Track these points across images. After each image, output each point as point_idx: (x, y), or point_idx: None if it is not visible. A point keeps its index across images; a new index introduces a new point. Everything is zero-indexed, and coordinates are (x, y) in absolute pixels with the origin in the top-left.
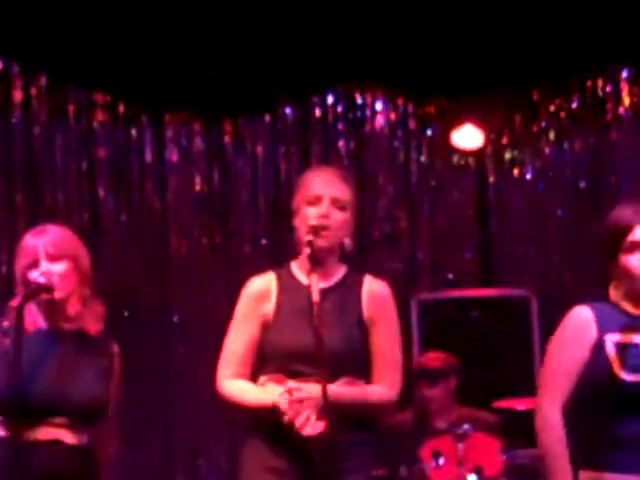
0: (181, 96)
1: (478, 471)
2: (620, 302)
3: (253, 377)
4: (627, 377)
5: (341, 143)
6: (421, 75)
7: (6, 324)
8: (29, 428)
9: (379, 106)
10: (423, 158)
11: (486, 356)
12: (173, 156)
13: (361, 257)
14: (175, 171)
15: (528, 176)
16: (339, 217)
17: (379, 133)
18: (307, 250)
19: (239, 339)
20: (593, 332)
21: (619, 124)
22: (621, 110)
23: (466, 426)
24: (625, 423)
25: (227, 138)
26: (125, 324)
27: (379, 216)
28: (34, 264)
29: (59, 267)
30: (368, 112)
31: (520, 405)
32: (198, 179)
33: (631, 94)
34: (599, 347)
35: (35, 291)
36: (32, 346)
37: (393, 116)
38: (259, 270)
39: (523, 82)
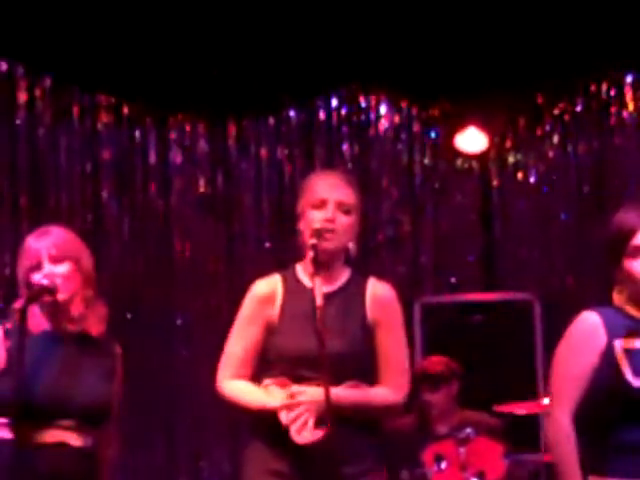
0: (185, 98)
1: (480, 475)
2: (624, 306)
3: (256, 380)
4: (637, 383)
5: (345, 146)
6: (425, 78)
7: (9, 326)
8: (35, 430)
9: (383, 109)
10: (427, 161)
11: (489, 360)
12: (177, 158)
13: (364, 260)
14: (179, 173)
15: (532, 179)
16: (344, 221)
17: (383, 136)
18: (311, 254)
19: (241, 341)
20: (602, 338)
21: (623, 128)
22: (625, 114)
23: (468, 430)
24: (635, 429)
25: (231, 140)
26: (128, 326)
27: (383, 219)
28: (37, 266)
29: (62, 269)
30: (372, 115)
31: (522, 409)
32: (202, 181)
33: (635, 99)
34: (608, 353)
35: (38, 293)
36: (36, 348)
37: (397, 119)
38: (262, 273)
39: (527, 85)
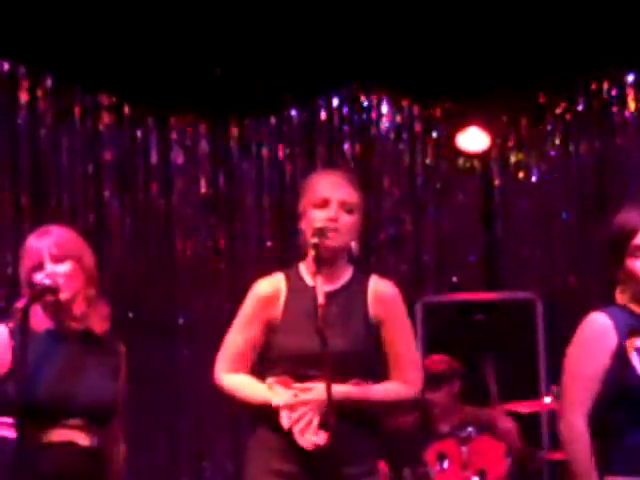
0: (187, 98)
1: (482, 474)
2: (628, 305)
3: (259, 378)
4: None
5: (346, 145)
6: (427, 77)
7: (12, 326)
8: (41, 430)
9: (384, 109)
10: (428, 161)
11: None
12: (178, 158)
13: (366, 260)
14: (180, 173)
15: (533, 179)
16: (347, 220)
17: (384, 135)
18: (312, 253)
19: (240, 337)
20: (613, 338)
21: (624, 127)
22: (627, 114)
23: (470, 429)
24: None
25: (232, 140)
26: (130, 326)
27: (384, 218)
28: (39, 266)
29: (64, 268)
30: (373, 114)
31: (524, 408)
32: (203, 181)
33: (637, 98)
34: (620, 353)
35: (40, 293)
36: (39, 346)
37: (398, 119)
38: (264, 272)
39: (528, 85)
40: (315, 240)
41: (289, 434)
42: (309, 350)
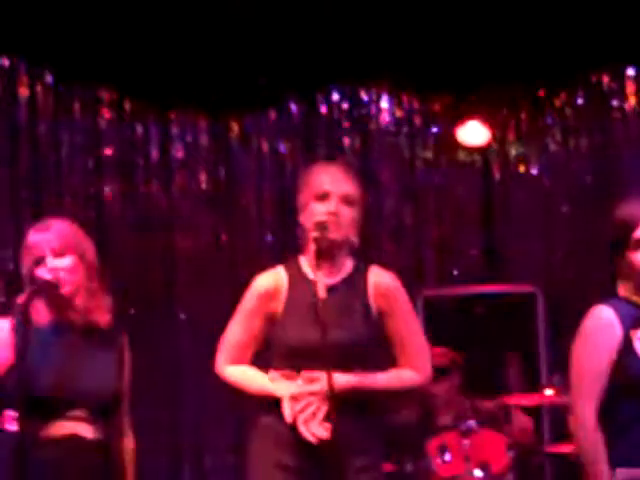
0: (187, 93)
1: (484, 467)
2: (630, 297)
3: (260, 369)
4: None
5: (346, 140)
6: (426, 72)
7: (14, 320)
8: (46, 423)
9: (384, 103)
10: (428, 155)
11: (491, 352)
12: (179, 153)
13: (366, 254)
14: (181, 168)
15: (534, 172)
16: (347, 213)
17: (384, 130)
18: (313, 247)
19: (240, 330)
20: (618, 330)
21: (624, 121)
22: (626, 107)
23: (471, 422)
24: None
25: (232, 135)
26: (131, 321)
27: (384, 213)
28: (40, 261)
29: (65, 262)
30: (373, 109)
31: (525, 401)
32: (203, 176)
33: (637, 92)
34: (626, 344)
35: (42, 288)
36: (41, 340)
37: (398, 113)
38: (264, 266)
39: (528, 78)
40: (316, 234)
41: (293, 426)
42: (310, 343)
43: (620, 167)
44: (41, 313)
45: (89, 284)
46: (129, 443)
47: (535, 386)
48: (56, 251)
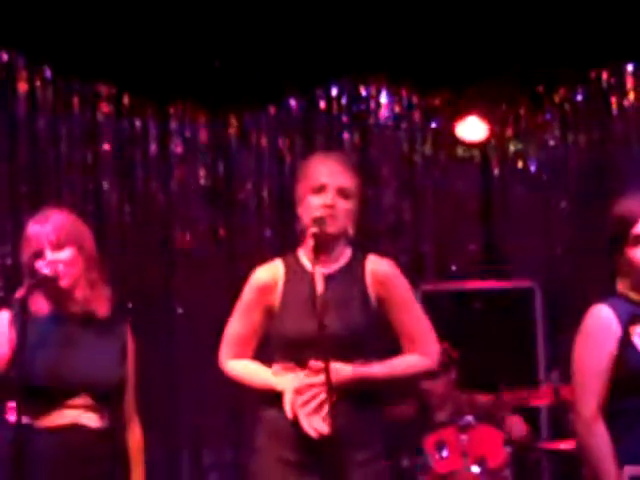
0: (186, 88)
1: (482, 462)
2: (628, 293)
3: (262, 361)
4: None
5: (346, 135)
6: (426, 67)
7: (12, 315)
8: (48, 413)
9: (383, 98)
10: (427, 150)
11: (489, 348)
12: (177, 148)
13: (365, 249)
14: (179, 163)
15: (532, 168)
16: (344, 206)
17: (383, 125)
18: (311, 242)
19: (240, 323)
20: (617, 328)
21: (623, 117)
22: (626, 103)
23: (469, 418)
24: None
25: (231, 130)
26: (129, 316)
27: (383, 208)
28: (39, 254)
29: (64, 255)
30: (372, 104)
31: (523, 396)
32: (202, 171)
33: (636, 88)
34: (625, 341)
35: (40, 282)
36: (40, 330)
37: (397, 108)
38: (263, 262)
39: (527, 74)
40: (315, 229)
41: (294, 420)
42: (307, 334)
43: (619, 163)
44: (40, 304)
45: (88, 275)
46: (136, 432)
47: (533, 382)
48: (54, 244)
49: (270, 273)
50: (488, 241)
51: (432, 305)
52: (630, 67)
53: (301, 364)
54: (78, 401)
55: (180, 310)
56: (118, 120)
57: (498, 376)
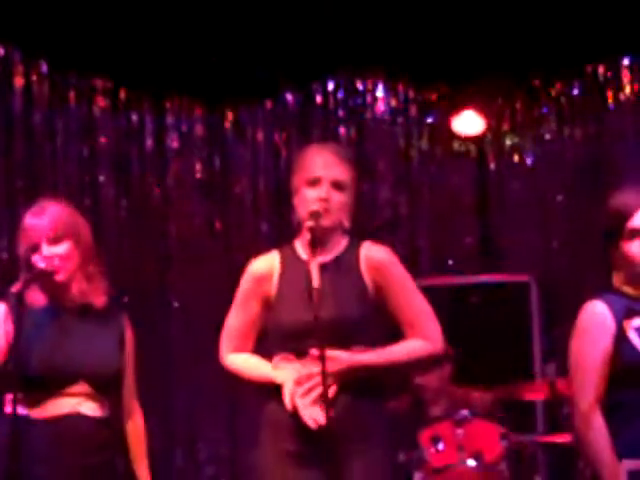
0: (182, 82)
1: (478, 456)
2: (622, 287)
3: (262, 355)
4: None
5: (342, 129)
6: (422, 62)
7: (8, 308)
8: (45, 402)
9: (380, 93)
10: (424, 144)
11: (485, 342)
12: (174, 142)
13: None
14: (175, 157)
15: (528, 162)
16: (338, 198)
17: (380, 119)
18: (308, 235)
19: (239, 316)
20: (611, 323)
21: (619, 110)
22: (622, 97)
23: (464, 412)
24: None
25: (228, 124)
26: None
27: (379, 202)
28: (35, 247)
29: (60, 249)
30: (369, 98)
31: (519, 390)
32: (198, 165)
33: (632, 81)
34: (620, 335)
35: (36, 276)
36: (36, 322)
37: (394, 102)
38: (259, 255)
39: (523, 68)
40: (311, 223)
41: (293, 412)
42: (303, 324)
43: (615, 157)
44: (36, 296)
45: (85, 268)
46: (138, 423)
47: (528, 376)
48: (51, 238)
49: (266, 263)
50: (484, 235)
51: (428, 299)
52: (626, 61)
53: (299, 355)
54: (77, 389)
55: (176, 304)
56: (114, 114)
57: (494, 369)
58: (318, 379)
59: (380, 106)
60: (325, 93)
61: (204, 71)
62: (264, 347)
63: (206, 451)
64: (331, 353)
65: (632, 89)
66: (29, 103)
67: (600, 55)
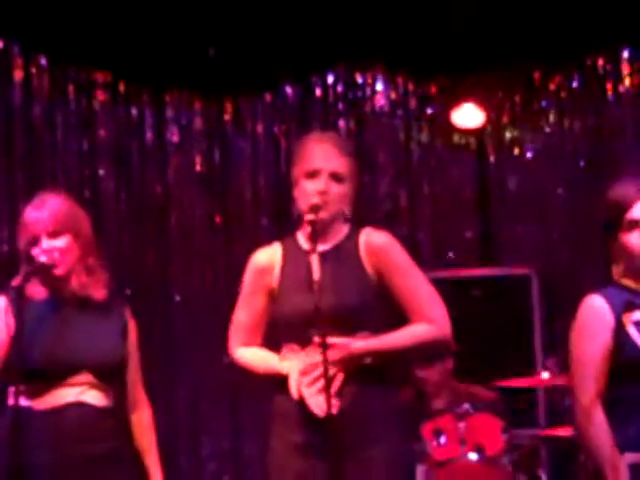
0: (182, 75)
1: (479, 450)
2: (621, 279)
3: (271, 346)
4: None
5: (341, 122)
6: (421, 54)
7: (8, 302)
8: (47, 393)
9: (379, 86)
10: (423, 137)
11: (486, 335)
12: (174, 135)
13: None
14: (175, 150)
15: (528, 155)
16: (337, 190)
17: (379, 112)
18: (308, 229)
19: (245, 310)
20: (610, 318)
21: (619, 103)
22: (621, 89)
23: (466, 405)
24: None
25: (227, 117)
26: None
27: (379, 195)
28: (35, 241)
29: (60, 242)
30: (368, 91)
31: (520, 384)
32: (198, 158)
33: (631, 74)
34: (619, 329)
35: (36, 269)
36: (37, 314)
37: (393, 95)
38: (260, 248)
39: (523, 61)
40: (311, 216)
41: (300, 402)
42: (305, 314)
43: (615, 149)
44: (37, 289)
45: (85, 261)
46: (145, 413)
47: (530, 369)
48: (51, 232)
49: (268, 255)
50: (484, 228)
51: None
52: (626, 53)
53: (304, 344)
54: (80, 379)
55: (177, 297)
56: (114, 108)
57: (495, 362)
58: (323, 368)
59: (380, 99)
60: (325, 86)
61: (204, 64)
62: (274, 339)
63: (209, 445)
64: (332, 340)
65: (631, 81)
66: (29, 96)
67: (599, 47)
